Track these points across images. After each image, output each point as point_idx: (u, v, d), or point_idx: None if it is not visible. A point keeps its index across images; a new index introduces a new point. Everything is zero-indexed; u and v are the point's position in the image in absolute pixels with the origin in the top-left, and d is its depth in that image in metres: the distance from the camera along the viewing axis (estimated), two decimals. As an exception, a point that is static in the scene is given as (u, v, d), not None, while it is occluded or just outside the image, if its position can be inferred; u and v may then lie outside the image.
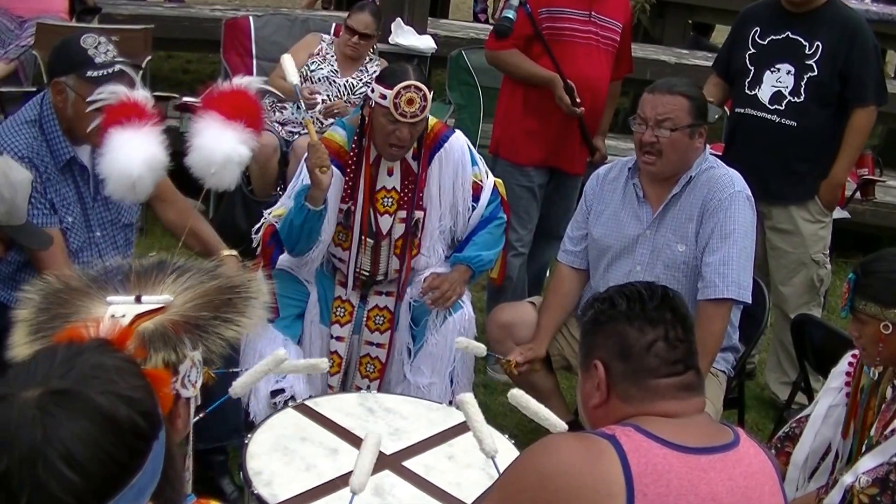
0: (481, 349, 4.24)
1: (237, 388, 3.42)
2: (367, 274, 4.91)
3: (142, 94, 3.86)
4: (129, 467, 1.60)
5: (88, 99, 4.00)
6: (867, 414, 3.69)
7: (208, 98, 3.91)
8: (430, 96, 4.62)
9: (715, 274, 4.42)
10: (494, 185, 5.04)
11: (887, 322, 3.46)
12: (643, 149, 4.54)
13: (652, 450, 2.42)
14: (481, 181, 4.97)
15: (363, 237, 4.82)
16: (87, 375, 1.63)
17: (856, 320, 3.58)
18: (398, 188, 4.82)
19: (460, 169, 4.89)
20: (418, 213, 4.86)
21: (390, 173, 4.82)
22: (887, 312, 3.46)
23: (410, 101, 4.55)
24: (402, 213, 4.83)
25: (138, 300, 2.16)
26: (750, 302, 4.57)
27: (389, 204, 4.83)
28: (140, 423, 1.63)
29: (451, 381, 4.90)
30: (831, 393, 3.86)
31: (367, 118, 4.74)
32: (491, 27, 6.38)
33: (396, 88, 4.55)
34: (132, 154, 3.69)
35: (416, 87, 4.56)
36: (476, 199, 4.96)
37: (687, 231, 4.54)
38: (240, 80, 3.98)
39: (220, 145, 3.72)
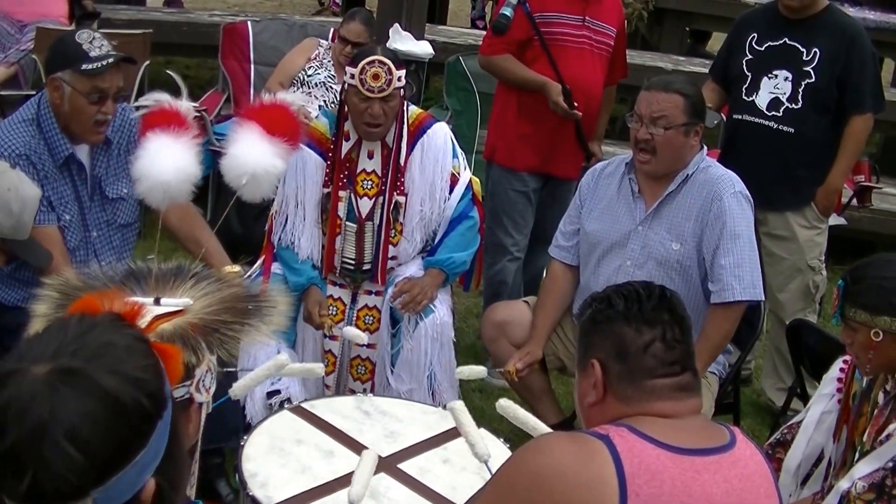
0: (481, 372, 4.23)
1: (237, 390, 3.44)
2: (352, 262, 4.93)
3: (185, 105, 3.89)
4: (132, 446, 1.62)
5: (136, 104, 4.03)
6: (859, 420, 3.69)
7: (250, 109, 3.97)
8: (397, 71, 4.68)
9: (731, 277, 4.43)
10: (469, 181, 5.07)
11: (877, 329, 3.44)
12: (638, 146, 4.56)
13: (645, 450, 2.42)
14: (458, 174, 5.00)
15: (344, 222, 4.89)
16: (96, 354, 1.64)
17: (847, 327, 3.57)
18: (378, 171, 4.87)
19: (441, 156, 4.93)
20: (400, 198, 4.88)
21: (370, 156, 4.87)
22: (877, 319, 3.44)
23: (376, 76, 4.62)
24: (383, 199, 4.88)
25: (157, 302, 2.17)
26: (763, 298, 4.62)
27: (369, 187, 4.87)
28: (145, 404, 1.64)
29: (431, 385, 4.91)
30: (823, 399, 3.85)
31: (344, 103, 4.83)
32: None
33: (361, 64, 4.64)
34: (166, 161, 3.72)
35: (380, 62, 4.64)
36: (451, 191, 4.98)
37: (683, 230, 4.54)
38: (283, 96, 4.04)
39: (255, 156, 3.76)
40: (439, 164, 4.92)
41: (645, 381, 2.56)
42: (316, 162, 4.84)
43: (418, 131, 4.91)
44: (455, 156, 5.00)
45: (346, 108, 4.83)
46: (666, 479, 2.40)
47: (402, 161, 4.85)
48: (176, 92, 4.18)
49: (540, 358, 4.78)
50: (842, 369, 3.84)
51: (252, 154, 3.83)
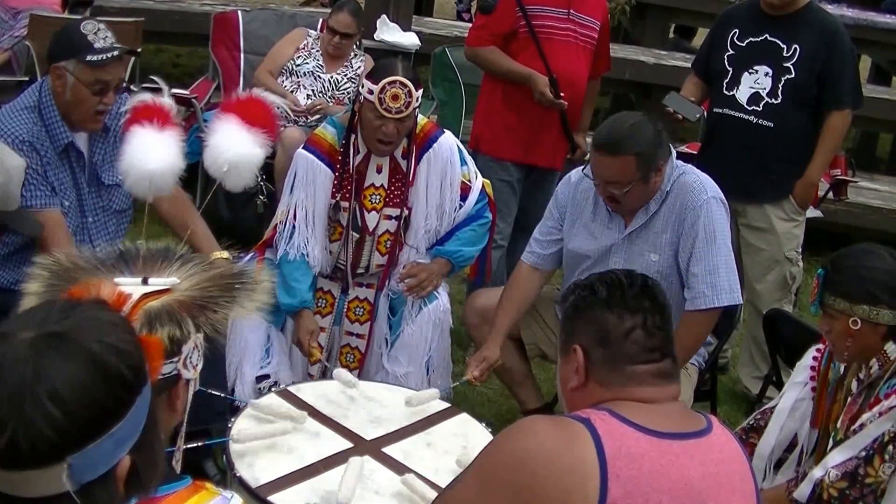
0: (434, 395, 4.20)
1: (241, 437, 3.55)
2: (345, 265, 4.94)
3: (167, 102, 3.95)
4: (112, 414, 1.67)
5: (123, 109, 4.10)
6: (833, 407, 3.75)
7: (228, 103, 4.03)
8: (416, 93, 4.60)
9: (704, 284, 4.41)
10: (483, 185, 5.07)
11: (856, 318, 3.49)
12: (603, 197, 4.54)
13: (626, 434, 2.46)
14: (470, 181, 4.99)
15: (350, 231, 4.86)
16: (81, 324, 1.70)
17: (826, 315, 3.61)
18: (386, 186, 4.85)
19: (448, 168, 4.90)
20: (405, 211, 4.87)
21: (379, 171, 4.83)
22: (856, 308, 3.49)
23: (395, 97, 4.53)
24: (388, 211, 4.86)
25: (145, 282, 2.22)
26: (741, 302, 4.64)
27: (377, 201, 4.84)
28: (127, 374, 1.70)
29: (428, 370, 4.96)
30: (797, 387, 3.91)
31: (356, 114, 4.75)
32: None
33: (381, 84, 4.53)
34: (150, 152, 3.78)
35: (401, 83, 4.54)
36: (464, 198, 4.98)
37: (660, 241, 4.52)
38: (258, 92, 4.10)
39: (235, 146, 3.83)
40: (448, 177, 4.90)
41: (626, 367, 2.60)
42: (325, 173, 4.76)
43: (424, 144, 4.86)
44: (464, 163, 4.98)
45: (356, 118, 4.76)
46: (645, 461, 2.44)
47: (410, 176, 4.83)
48: (168, 78, 4.24)
49: (497, 359, 4.69)
50: (815, 357, 3.90)
51: (231, 144, 3.88)
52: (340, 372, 4.27)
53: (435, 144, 4.89)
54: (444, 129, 5.09)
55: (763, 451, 3.92)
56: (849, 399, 3.68)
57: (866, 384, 3.62)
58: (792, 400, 3.92)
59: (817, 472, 3.49)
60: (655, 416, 2.54)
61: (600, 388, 2.63)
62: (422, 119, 4.95)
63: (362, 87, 4.67)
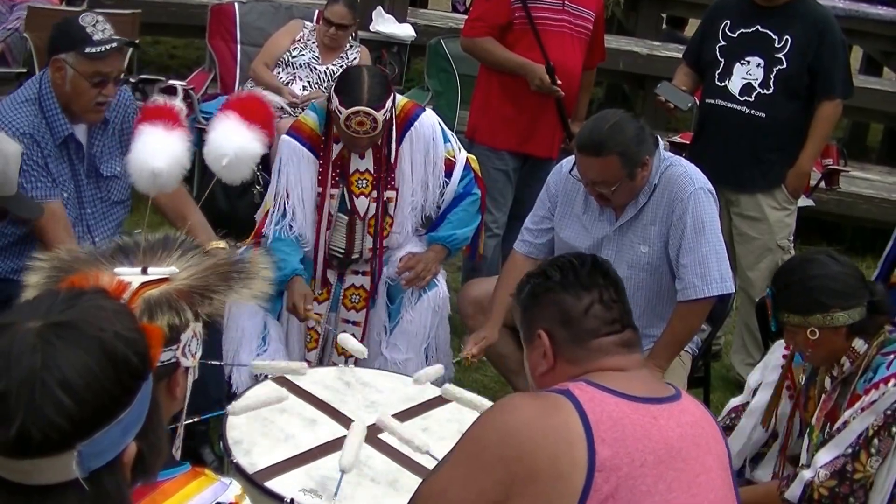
0: (439, 370, 4.26)
1: (237, 408, 3.57)
2: (342, 252, 4.99)
3: (178, 104, 4.00)
4: (119, 401, 1.68)
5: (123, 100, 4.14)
6: (808, 403, 3.80)
7: (227, 102, 4.08)
8: (381, 114, 4.59)
9: (693, 275, 4.42)
10: (467, 160, 5.10)
11: (813, 328, 3.56)
12: (592, 195, 4.56)
13: (605, 399, 2.53)
14: (454, 157, 5.03)
15: (336, 215, 4.92)
16: (87, 313, 1.71)
17: (786, 332, 3.69)
18: (372, 170, 4.88)
19: (431, 146, 4.94)
20: (390, 193, 4.91)
21: (362, 156, 4.87)
22: (811, 319, 3.55)
23: (361, 123, 4.56)
24: (377, 194, 4.91)
25: (144, 272, 2.25)
26: (733, 290, 4.67)
27: (364, 185, 4.88)
28: (134, 360, 1.71)
29: (427, 357, 5.00)
30: (769, 387, 3.98)
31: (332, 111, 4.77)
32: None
33: (345, 113, 4.56)
34: (157, 151, 3.82)
35: (365, 113, 4.55)
36: (449, 174, 5.02)
37: (649, 233, 4.54)
38: (258, 91, 4.15)
39: (234, 139, 3.88)
40: (430, 155, 4.94)
41: (591, 341, 2.69)
42: (309, 158, 4.82)
43: (406, 123, 4.89)
44: (447, 140, 5.01)
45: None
46: (627, 424, 2.51)
47: (392, 159, 4.87)
48: (160, 71, 4.29)
49: (495, 340, 4.75)
50: (784, 356, 3.95)
51: (230, 139, 3.93)
52: (347, 338, 4.36)
53: (416, 123, 4.93)
54: (425, 108, 5.13)
55: (734, 448, 3.95)
56: (823, 396, 3.73)
57: (839, 380, 3.66)
58: (766, 399, 3.98)
59: (807, 474, 3.53)
60: (629, 383, 2.62)
61: (570, 367, 2.71)
62: (401, 99, 4.97)
63: (332, 99, 4.68)
